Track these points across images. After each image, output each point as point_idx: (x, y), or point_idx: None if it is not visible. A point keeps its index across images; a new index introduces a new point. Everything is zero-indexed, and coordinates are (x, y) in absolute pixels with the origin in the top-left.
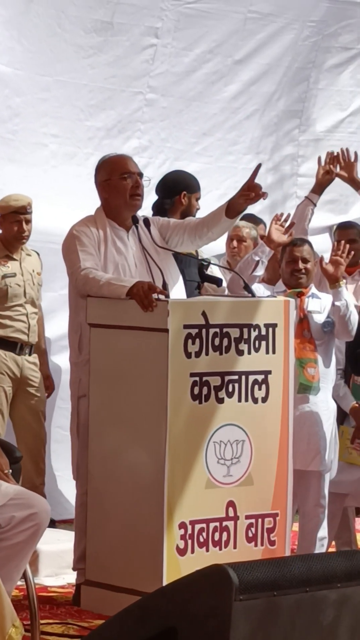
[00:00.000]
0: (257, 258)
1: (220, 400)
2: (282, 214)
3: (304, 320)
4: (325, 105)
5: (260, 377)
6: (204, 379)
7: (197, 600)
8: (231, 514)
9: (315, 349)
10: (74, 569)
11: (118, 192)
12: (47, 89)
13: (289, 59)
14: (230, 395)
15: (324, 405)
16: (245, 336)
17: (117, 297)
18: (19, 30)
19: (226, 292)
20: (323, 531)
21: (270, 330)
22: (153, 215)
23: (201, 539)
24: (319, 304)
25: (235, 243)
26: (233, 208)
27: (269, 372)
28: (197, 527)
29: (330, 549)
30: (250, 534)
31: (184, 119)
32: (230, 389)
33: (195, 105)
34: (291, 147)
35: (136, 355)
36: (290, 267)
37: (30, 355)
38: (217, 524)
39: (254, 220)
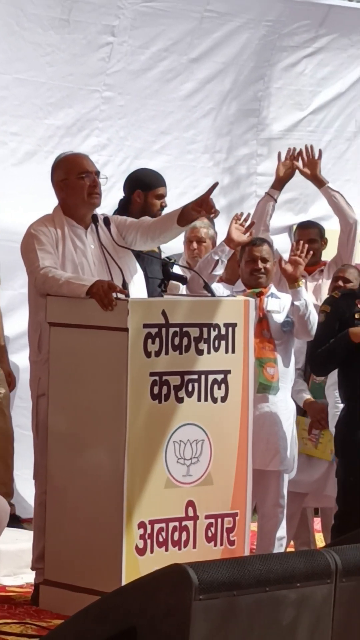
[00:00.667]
0: (216, 257)
1: (180, 400)
2: (241, 214)
3: (263, 319)
4: (285, 104)
5: (219, 377)
6: (164, 378)
7: (156, 599)
8: (191, 513)
9: (274, 349)
10: (32, 569)
11: (75, 191)
12: (6, 87)
13: (245, 58)
14: (189, 394)
15: (283, 405)
16: (205, 336)
17: (76, 296)
18: None
19: (186, 291)
20: (282, 531)
21: (230, 329)
22: (117, 212)
23: (160, 539)
24: (278, 304)
25: (195, 244)
26: (185, 217)
27: (229, 371)
28: (157, 526)
29: (289, 549)
30: (209, 534)
31: (142, 117)
32: (189, 389)
33: (152, 104)
34: (249, 146)
35: (96, 354)
36: (249, 267)
37: None
38: (177, 523)
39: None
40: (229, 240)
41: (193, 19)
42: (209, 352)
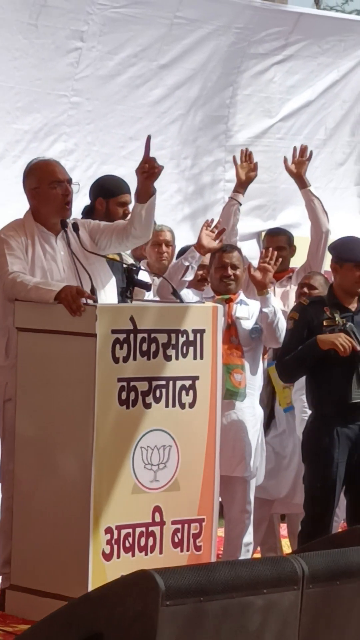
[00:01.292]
0: (187, 263)
1: (148, 406)
2: (212, 220)
3: (231, 326)
4: (253, 111)
5: (187, 383)
6: (132, 384)
7: (123, 605)
8: (157, 519)
9: (242, 355)
10: None
11: (48, 200)
12: None
13: (214, 65)
14: (157, 400)
15: (250, 412)
16: (173, 341)
17: (45, 302)
18: None
19: (154, 297)
20: (248, 537)
21: (198, 335)
22: (83, 218)
23: (127, 544)
24: (247, 311)
25: (163, 247)
26: (141, 193)
27: (197, 377)
28: (124, 532)
29: (256, 555)
30: (176, 539)
31: (110, 123)
32: (157, 394)
33: (121, 109)
34: (217, 153)
35: (64, 360)
36: (219, 274)
37: None
38: (144, 529)
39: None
40: (199, 246)
41: (163, 25)
42: (177, 358)
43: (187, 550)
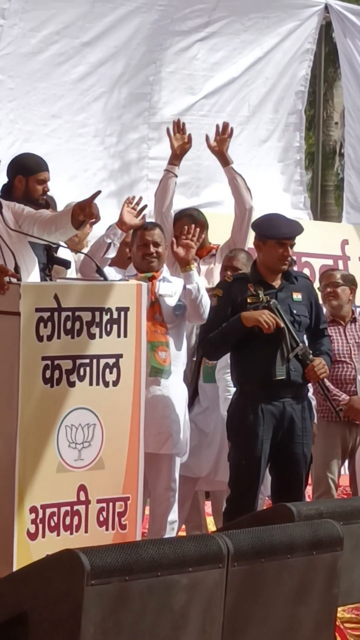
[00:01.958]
0: (108, 240)
1: (72, 384)
2: (133, 197)
3: (155, 303)
4: (177, 88)
5: (111, 361)
6: (56, 362)
7: (48, 585)
8: (82, 498)
9: (166, 332)
10: None
11: None
12: None
13: (138, 42)
14: (81, 378)
15: (175, 389)
16: (97, 320)
17: None
18: None
19: (77, 275)
20: (173, 515)
21: (122, 313)
22: (1, 198)
23: (52, 523)
24: (170, 288)
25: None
26: (75, 219)
27: (120, 355)
28: (48, 511)
29: (181, 533)
30: (101, 518)
31: (32, 100)
32: (81, 373)
33: (43, 87)
34: (141, 130)
35: None
36: (141, 251)
37: None
38: (68, 508)
39: None
40: (121, 223)
41: (85, 3)
42: (101, 336)
43: (112, 529)
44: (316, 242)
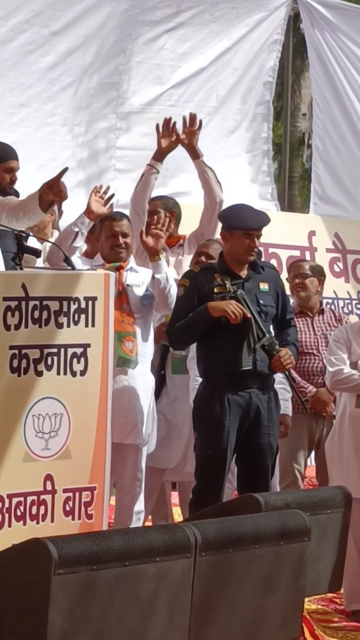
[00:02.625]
0: (76, 229)
1: (39, 374)
2: (100, 186)
3: (122, 293)
4: (145, 78)
5: (79, 350)
6: (23, 351)
7: (15, 574)
8: (49, 487)
9: (134, 322)
10: None
11: None
12: None
13: (107, 32)
14: (49, 368)
15: (142, 379)
16: (65, 309)
17: None
18: None
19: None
20: (140, 505)
21: (90, 303)
22: None
23: (18, 513)
24: (137, 278)
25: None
26: (43, 200)
27: (88, 345)
28: (15, 500)
29: (147, 523)
30: (67, 508)
31: (1, 89)
32: (49, 362)
33: (12, 76)
34: (109, 120)
35: None
36: (110, 242)
37: None
38: (35, 497)
39: None
40: (88, 212)
41: None
42: (68, 326)
43: (79, 518)
44: (283, 233)
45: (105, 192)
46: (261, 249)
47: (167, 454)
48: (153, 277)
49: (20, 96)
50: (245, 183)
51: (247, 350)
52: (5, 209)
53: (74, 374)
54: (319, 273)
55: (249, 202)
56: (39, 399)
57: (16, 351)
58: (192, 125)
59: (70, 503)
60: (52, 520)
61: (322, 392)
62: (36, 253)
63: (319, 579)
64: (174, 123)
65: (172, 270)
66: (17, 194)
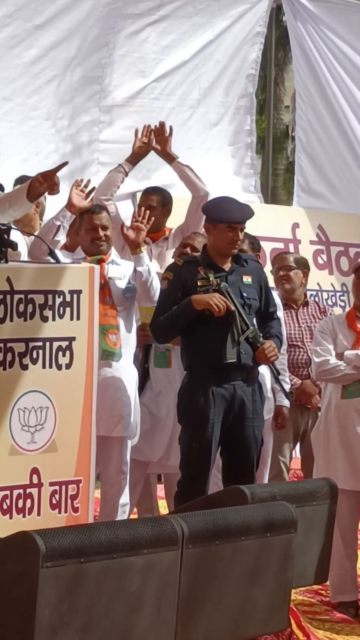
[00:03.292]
0: (58, 223)
1: (25, 367)
2: (82, 180)
3: (105, 286)
4: (128, 71)
5: (64, 344)
6: (9, 345)
7: (3, 567)
8: (35, 480)
9: (117, 315)
10: None
11: None
12: None
13: (90, 25)
14: (34, 361)
15: (126, 371)
16: (50, 302)
17: None
18: None
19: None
20: (125, 497)
21: (75, 296)
22: None
23: (5, 506)
24: (119, 271)
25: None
26: (32, 191)
27: (73, 338)
28: (1, 494)
29: (132, 516)
30: (54, 501)
31: None
32: (34, 356)
33: None
34: (92, 113)
35: None
36: (90, 235)
37: None
38: (21, 490)
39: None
40: (70, 205)
41: None
42: (53, 319)
43: (65, 511)
44: (267, 226)
45: (86, 186)
46: (260, 242)
47: (151, 447)
48: (135, 270)
49: (4, 90)
50: (229, 176)
51: (231, 342)
52: None
53: (59, 367)
54: (303, 265)
55: (232, 195)
56: (24, 392)
57: (1, 345)
58: (162, 133)
59: (57, 496)
60: (39, 514)
61: (307, 384)
62: (12, 246)
63: (306, 571)
64: (152, 131)
65: (155, 263)
66: (1, 188)
